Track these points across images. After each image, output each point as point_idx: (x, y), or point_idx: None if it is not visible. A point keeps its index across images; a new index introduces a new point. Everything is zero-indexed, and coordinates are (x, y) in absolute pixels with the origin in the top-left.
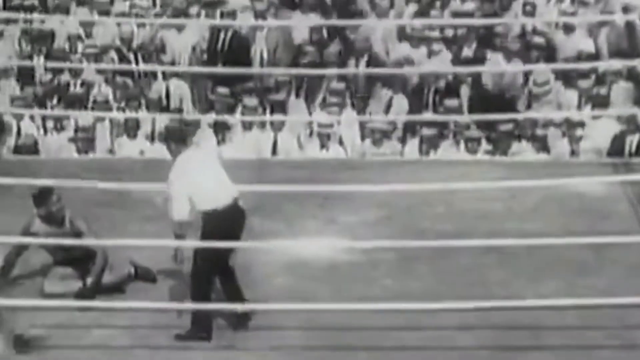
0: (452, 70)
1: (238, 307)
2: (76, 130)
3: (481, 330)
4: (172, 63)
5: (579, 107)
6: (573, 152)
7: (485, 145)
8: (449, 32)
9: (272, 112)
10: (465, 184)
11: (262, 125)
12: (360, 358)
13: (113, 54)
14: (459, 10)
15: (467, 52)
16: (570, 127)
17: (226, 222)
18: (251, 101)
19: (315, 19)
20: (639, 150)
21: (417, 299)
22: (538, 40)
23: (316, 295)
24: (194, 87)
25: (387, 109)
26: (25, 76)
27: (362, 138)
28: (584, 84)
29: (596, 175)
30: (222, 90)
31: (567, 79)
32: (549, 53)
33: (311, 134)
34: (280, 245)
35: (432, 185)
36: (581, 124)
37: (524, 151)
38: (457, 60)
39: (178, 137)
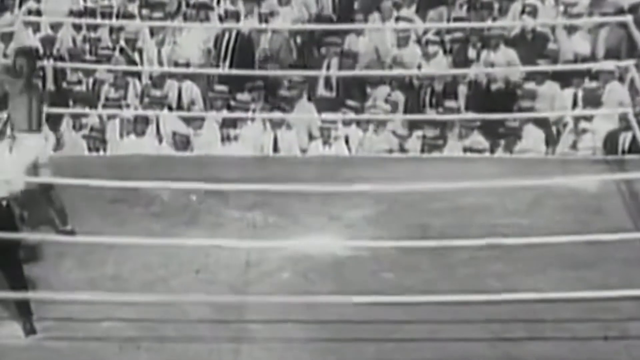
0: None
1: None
2: (84, 128)
3: (478, 323)
4: (180, 64)
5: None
6: (573, 147)
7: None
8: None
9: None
10: (464, 184)
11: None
12: (361, 351)
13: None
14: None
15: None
16: (577, 129)
17: None
18: (244, 96)
19: None
20: (632, 147)
21: (417, 292)
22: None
23: (320, 289)
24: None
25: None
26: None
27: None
28: (578, 83)
29: (591, 172)
30: (221, 87)
31: (563, 79)
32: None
33: (321, 133)
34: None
35: (433, 184)
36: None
37: (523, 148)
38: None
39: None
